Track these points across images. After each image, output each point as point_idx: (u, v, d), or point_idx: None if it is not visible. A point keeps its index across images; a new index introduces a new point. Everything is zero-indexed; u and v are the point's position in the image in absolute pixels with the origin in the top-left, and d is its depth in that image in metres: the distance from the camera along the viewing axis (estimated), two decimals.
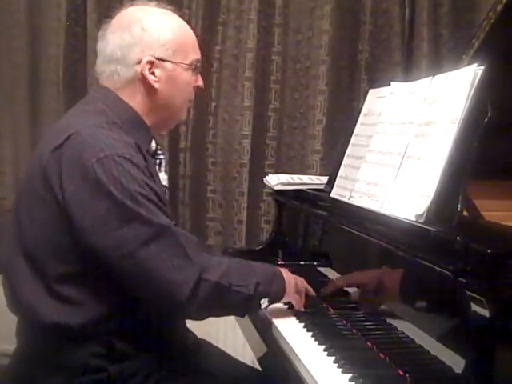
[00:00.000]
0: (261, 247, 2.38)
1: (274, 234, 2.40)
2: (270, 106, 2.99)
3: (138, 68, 1.60)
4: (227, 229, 3.01)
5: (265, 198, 3.01)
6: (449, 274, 1.14)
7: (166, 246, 1.46)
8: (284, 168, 2.92)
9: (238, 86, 2.95)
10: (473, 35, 1.98)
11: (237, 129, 2.97)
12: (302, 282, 1.73)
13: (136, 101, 1.62)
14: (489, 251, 1.06)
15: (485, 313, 1.05)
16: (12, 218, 1.60)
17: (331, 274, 2.06)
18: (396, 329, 1.52)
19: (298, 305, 1.69)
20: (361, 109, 2.08)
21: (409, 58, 2.82)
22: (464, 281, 1.10)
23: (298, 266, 2.19)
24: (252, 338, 1.89)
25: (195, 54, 1.69)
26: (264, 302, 1.59)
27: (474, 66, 1.45)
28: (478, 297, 1.06)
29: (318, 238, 2.22)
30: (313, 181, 2.28)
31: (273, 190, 2.35)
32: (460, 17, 2.81)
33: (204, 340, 1.82)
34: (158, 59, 1.61)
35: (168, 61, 1.62)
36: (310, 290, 1.75)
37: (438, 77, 1.62)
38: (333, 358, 1.40)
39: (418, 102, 1.66)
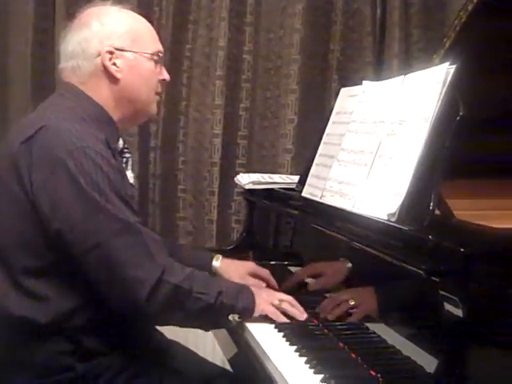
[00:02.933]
0: (232, 247, 2.36)
1: (244, 234, 2.38)
2: (241, 104, 2.96)
3: (99, 60, 1.61)
4: (198, 228, 2.98)
5: (235, 197, 2.98)
6: (422, 273, 1.13)
7: (130, 242, 1.45)
8: (255, 167, 2.89)
9: (209, 84, 2.92)
10: (444, 35, 1.98)
11: (208, 128, 2.93)
12: (273, 295, 1.66)
13: (101, 94, 1.62)
14: (462, 250, 1.05)
15: (458, 312, 1.04)
16: None
17: None
18: (367, 328, 1.52)
19: (276, 316, 1.61)
20: (333, 108, 2.08)
21: (380, 57, 2.81)
22: (437, 280, 1.09)
23: (269, 265, 2.18)
24: (222, 339, 1.87)
25: (156, 45, 1.71)
26: (234, 318, 1.56)
27: (446, 64, 1.44)
28: (451, 296, 1.06)
29: (289, 238, 2.21)
30: (284, 180, 2.27)
31: (244, 189, 2.33)
32: (430, 17, 2.83)
33: (174, 341, 1.80)
34: (118, 49, 1.63)
35: (128, 50, 1.64)
36: (285, 297, 1.67)
37: (410, 75, 1.62)
38: (304, 358, 1.38)
39: (390, 101, 1.66)
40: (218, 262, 1.89)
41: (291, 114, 2.86)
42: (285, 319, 1.60)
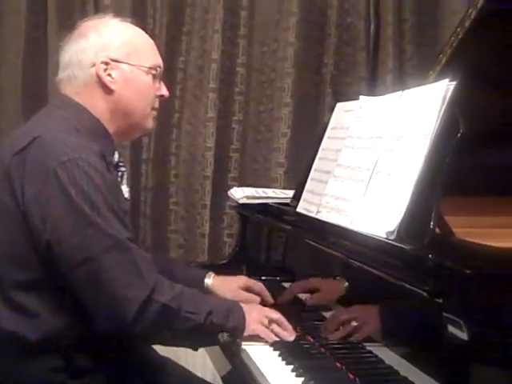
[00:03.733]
0: (224, 261, 2.34)
1: (237, 248, 2.36)
2: (234, 117, 2.95)
3: (93, 70, 1.59)
4: (189, 242, 2.95)
5: (227, 210, 2.96)
6: (424, 294, 1.11)
7: (120, 259, 1.43)
8: (247, 181, 2.87)
9: (202, 97, 2.91)
10: (439, 51, 1.98)
11: (200, 141, 2.91)
12: (263, 314, 1.61)
13: (96, 106, 1.60)
14: (468, 271, 1.03)
15: (462, 335, 1.02)
16: None
17: None
18: (363, 348, 1.49)
19: (266, 335, 1.57)
20: (327, 122, 2.06)
21: (374, 72, 2.82)
22: (440, 301, 1.07)
23: (262, 281, 2.16)
24: (215, 355, 1.84)
25: (155, 60, 1.68)
26: (223, 337, 1.53)
27: (446, 81, 1.43)
28: (455, 318, 1.04)
29: (282, 253, 2.19)
30: (278, 195, 2.26)
31: (237, 203, 2.31)
32: (423, 33, 2.83)
33: (167, 358, 1.77)
34: (113, 60, 1.61)
35: (124, 62, 1.62)
36: (274, 317, 1.62)
37: (408, 92, 1.61)
38: (302, 378, 1.35)
39: (387, 117, 1.64)
40: (210, 280, 1.86)
41: (284, 128, 2.85)
42: (275, 338, 1.57)
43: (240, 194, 2.24)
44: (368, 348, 1.48)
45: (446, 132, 1.37)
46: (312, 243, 1.74)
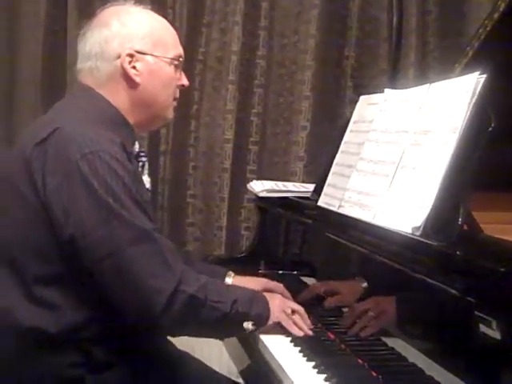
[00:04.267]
0: (243, 255, 2.32)
1: (256, 242, 2.33)
2: (253, 110, 2.91)
3: (118, 62, 1.56)
4: (206, 235, 2.93)
5: (245, 204, 2.93)
6: (456, 292, 1.07)
7: (146, 251, 1.41)
8: (266, 174, 2.84)
9: (222, 89, 2.88)
10: (466, 44, 1.93)
11: (219, 133, 2.89)
12: (285, 302, 1.63)
13: (118, 97, 1.58)
14: (502, 270, 1.00)
15: (495, 334, 0.99)
16: None
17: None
18: (385, 345, 1.47)
19: (289, 325, 1.57)
20: (350, 115, 2.03)
21: (396, 65, 2.77)
22: (472, 300, 1.04)
23: (280, 275, 2.14)
24: (233, 350, 1.82)
25: (177, 50, 1.66)
26: (248, 326, 1.51)
27: (476, 74, 1.39)
28: (487, 317, 1.01)
29: (302, 247, 2.16)
30: (298, 188, 2.23)
31: (256, 196, 2.28)
32: (448, 25, 2.78)
33: (185, 352, 1.75)
34: (138, 52, 1.58)
35: (148, 54, 1.59)
36: (296, 307, 1.63)
37: (436, 85, 1.57)
38: (324, 375, 1.33)
39: (413, 110, 1.61)
40: (230, 279, 1.84)
41: (304, 121, 2.82)
42: (296, 330, 1.56)
43: (260, 187, 2.21)
44: (390, 345, 1.45)
45: (476, 126, 1.34)
46: (334, 237, 1.71)
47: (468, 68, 1.83)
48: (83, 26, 2.78)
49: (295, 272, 2.12)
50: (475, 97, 1.38)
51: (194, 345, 1.76)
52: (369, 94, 2.00)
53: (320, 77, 2.82)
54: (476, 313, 1.03)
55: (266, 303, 1.56)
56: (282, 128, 2.91)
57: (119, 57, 1.56)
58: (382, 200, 1.57)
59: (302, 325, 1.58)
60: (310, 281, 2.05)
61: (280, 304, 1.59)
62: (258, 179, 2.48)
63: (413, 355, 1.36)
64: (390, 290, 1.45)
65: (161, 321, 1.41)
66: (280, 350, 1.50)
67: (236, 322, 1.50)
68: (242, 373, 1.75)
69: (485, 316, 1.01)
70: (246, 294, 1.57)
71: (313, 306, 1.73)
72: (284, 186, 2.25)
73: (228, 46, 2.86)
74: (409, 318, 1.39)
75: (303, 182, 2.61)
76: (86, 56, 1.58)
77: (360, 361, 1.42)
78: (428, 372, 1.29)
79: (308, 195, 2.12)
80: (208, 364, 1.78)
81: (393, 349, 1.45)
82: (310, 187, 2.17)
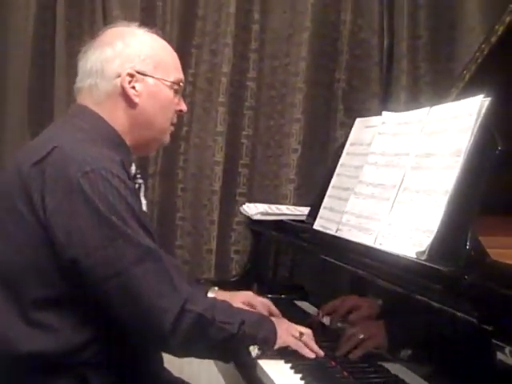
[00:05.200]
0: (235, 278, 2.28)
1: (249, 265, 2.30)
2: (244, 132, 2.90)
3: (118, 81, 1.55)
4: (196, 258, 2.88)
5: (235, 227, 2.90)
6: (473, 320, 1.05)
7: (152, 269, 1.38)
8: (256, 197, 2.81)
9: (212, 110, 2.86)
10: (463, 67, 1.94)
11: (209, 155, 2.86)
12: (293, 327, 1.59)
13: (116, 118, 1.56)
14: None
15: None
16: None
17: (308, 308, 1.97)
18: (388, 371, 1.44)
19: (299, 347, 1.54)
20: (341, 139, 2.03)
21: (387, 89, 2.79)
22: (490, 328, 1.02)
23: (273, 298, 2.10)
24: (230, 376, 1.79)
25: (178, 74, 1.65)
26: (254, 350, 1.49)
27: (480, 97, 1.39)
28: (505, 346, 0.98)
29: (296, 271, 2.13)
30: (292, 211, 2.20)
31: (249, 219, 2.26)
32: (438, 50, 2.79)
33: (180, 378, 1.71)
34: (139, 73, 1.56)
35: (149, 76, 1.58)
36: (304, 330, 1.59)
37: (437, 108, 1.56)
38: None
39: (414, 133, 1.60)
40: (212, 294, 1.81)
41: (295, 144, 2.80)
42: (307, 351, 1.53)
43: (253, 210, 2.19)
44: (393, 372, 1.42)
45: (482, 149, 1.33)
46: (332, 261, 1.68)
47: (465, 91, 1.83)
48: (71, 45, 2.81)
49: (287, 296, 2.09)
50: (479, 119, 1.37)
51: (189, 371, 1.71)
52: (360, 117, 2.00)
53: (311, 99, 2.82)
54: (493, 341, 1.01)
55: (273, 327, 1.53)
56: (273, 151, 2.89)
57: (119, 76, 1.54)
58: (383, 224, 1.55)
59: (313, 346, 1.55)
60: (303, 305, 2.03)
61: (288, 328, 1.56)
62: (248, 202, 2.46)
63: (416, 382, 1.34)
64: (392, 315, 1.43)
65: (169, 340, 1.38)
66: (280, 376, 1.46)
67: (243, 343, 1.48)
68: None
69: (502, 344, 0.98)
70: (254, 316, 1.55)
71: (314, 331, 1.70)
72: (277, 208, 2.22)
73: (218, 68, 2.84)
74: (421, 349, 1.36)
75: (294, 204, 2.59)
76: (87, 74, 1.56)
77: None
78: None
79: (303, 218, 2.10)
80: None
81: (397, 376, 1.42)
82: (304, 210, 2.16)
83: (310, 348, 1.55)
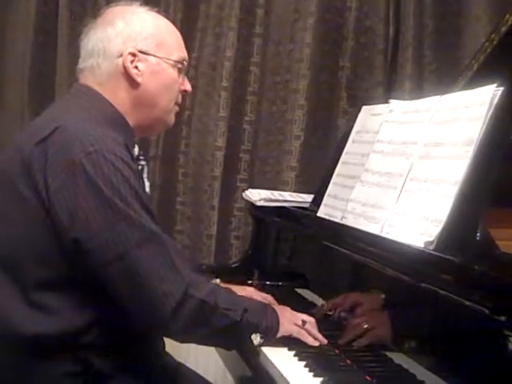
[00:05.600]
0: (236, 264, 2.27)
1: (250, 252, 2.29)
2: (246, 118, 2.88)
3: (120, 60, 1.53)
4: (195, 243, 2.87)
5: (235, 212, 2.89)
6: (486, 310, 1.04)
7: (155, 253, 1.36)
8: (257, 183, 2.80)
9: (214, 95, 2.84)
10: (472, 57, 1.92)
11: (210, 140, 2.84)
12: (295, 315, 1.58)
13: (118, 97, 1.54)
14: None
15: None
16: None
17: (310, 296, 1.97)
18: (392, 361, 1.43)
19: (302, 335, 1.53)
20: (349, 127, 2.01)
21: (391, 77, 2.77)
22: (503, 319, 1.01)
23: (274, 286, 2.10)
24: (232, 361, 1.78)
25: (181, 53, 1.62)
26: (256, 338, 1.48)
27: (493, 86, 1.37)
28: None
29: (297, 258, 2.12)
30: (295, 198, 2.19)
31: (251, 205, 2.24)
32: (444, 39, 2.77)
33: (182, 364, 1.70)
34: (141, 52, 1.54)
35: (151, 54, 1.55)
36: (307, 319, 1.58)
37: (447, 96, 1.55)
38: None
39: (422, 122, 1.58)
40: None
41: (298, 131, 2.78)
42: (311, 339, 1.52)
43: (256, 196, 2.17)
44: (397, 362, 1.42)
45: (493, 139, 1.31)
46: (338, 249, 1.67)
47: (474, 81, 1.81)
48: (74, 25, 2.77)
49: (288, 283, 2.08)
50: (492, 109, 1.35)
51: (189, 354, 1.70)
52: (363, 105, 1.98)
53: (315, 86, 2.80)
54: (505, 332, 1.00)
55: (277, 316, 1.52)
56: (275, 137, 2.87)
57: (121, 55, 1.52)
58: (389, 212, 1.54)
59: (316, 334, 1.54)
60: (304, 292, 2.02)
61: (290, 317, 1.55)
62: (248, 188, 2.45)
63: (420, 372, 1.33)
64: (398, 304, 1.42)
65: (169, 325, 1.37)
66: (284, 363, 1.45)
67: (245, 331, 1.47)
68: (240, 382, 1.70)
69: None
70: (257, 305, 1.54)
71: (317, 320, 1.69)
72: (280, 195, 2.21)
73: (222, 52, 2.82)
74: (416, 333, 1.36)
75: (295, 191, 2.58)
76: (89, 54, 1.54)
77: (368, 377, 1.38)
78: None
79: (305, 205, 2.09)
80: (203, 375, 1.73)
81: (400, 366, 1.41)
82: (307, 197, 2.14)
83: (313, 336, 1.54)
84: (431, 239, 1.33)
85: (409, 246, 1.36)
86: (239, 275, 2.15)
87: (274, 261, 2.23)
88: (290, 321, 1.54)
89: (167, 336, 1.50)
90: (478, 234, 1.22)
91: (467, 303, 1.09)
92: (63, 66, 2.81)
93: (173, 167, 2.89)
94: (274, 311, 1.53)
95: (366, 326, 1.53)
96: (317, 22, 2.77)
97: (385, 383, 1.34)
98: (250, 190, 2.27)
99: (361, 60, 2.81)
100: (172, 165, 2.89)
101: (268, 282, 2.12)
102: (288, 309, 1.61)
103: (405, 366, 1.40)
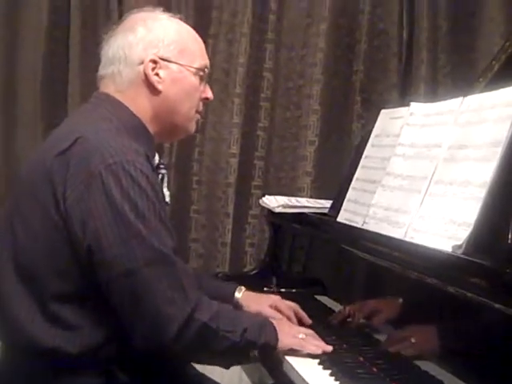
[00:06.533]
0: (254, 272, 2.24)
1: (267, 259, 2.26)
2: (260, 124, 2.85)
3: (141, 68, 1.50)
4: (210, 251, 2.85)
5: (250, 220, 2.86)
6: None
7: (162, 274, 1.34)
8: (272, 190, 2.76)
9: (228, 102, 2.82)
10: (493, 57, 1.89)
11: (224, 147, 2.82)
12: (295, 329, 1.57)
13: (139, 105, 1.51)
14: None
15: None
16: (3, 229, 1.45)
17: (328, 302, 1.94)
18: (419, 368, 1.39)
19: (302, 346, 1.50)
20: (366, 131, 1.98)
21: (406, 80, 2.74)
22: None
23: (293, 293, 2.07)
24: (254, 371, 1.75)
25: (203, 60, 1.60)
26: (253, 353, 1.46)
27: None
28: None
29: (318, 264, 2.09)
30: (313, 204, 2.16)
31: (269, 211, 2.22)
32: (458, 40, 2.74)
33: (204, 375, 1.67)
34: (162, 59, 1.51)
35: (173, 62, 1.53)
36: (307, 332, 1.56)
37: (471, 98, 1.52)
38: None
39: (446, 124, 1.55)
40: (240, 294, 1.78)
41: (312, 136, 2.76)
42: (313, 348, 1.49)
43: (274, 202, 2.14)
44: (424, 369, 1.38)
45: None
46: (360, 255, 1.64)
47: (495, 82, 1.79)
48: (85, 33, 2.76)
49: (307, 290, 2.05)
50: None
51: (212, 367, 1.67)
52: (377, 109, 1.95)
53: (328, 91, 2.78)
54: None
55: (275, 331, 1.49)
56: (289, 143, 2.85)
57: (142, 62, 1.50)
58: (413, 217, 1.51)
59: (318, 343, 1.51)
60: (322, 299, 1.99)
61: (289, 331, 1.53)
62: (263, 195, 2.42)
63: (448, 379, 1.30)
64: (430, 311, 1.38)
65: (171, 348, 1.35)
66: (309, 372, 1.42)
67: (244, 350, 1.45)
68: None
69: None
70: (256, 322, 1.51)
71: (339, 329, 1.66)
72: (297, 201, 2.18)
73: (235, 58, 2.80)
74: (445, 339, 1.33)
75: (311, 197, 2.55)
76: (110, 61, 1.52)
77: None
78: None
79: (323, 211, 2.06)
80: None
81: (427, 373, 1.38)
82: (325, 203, 2.11)
83: (314, 345, 1.50)
84: (459, 243, 1.30)
85: (436, 250, 1.32)
86: (257, 283, 2.12)
87: (291, 268, 2.19)
88: (289, 334, 1.51)
89: (167, 356, 1.45)
90: (510, 237, 1.19)
91: (501, 308, 1.06)
92: (75, 75, 2.80)
93: (187, 175, 2.87)
94: (272, 326, 1.50)
95: (413, 341, 1.44)
96: (330, 26, 2.75)
97: None
98: (267, 196, 2.24)
99: (374, 63, 2.79)
100: (186, 173, 2.87)
101: (286, 289, 2.09)
102: (288, 322, 1.60)
103: (432, 372, 1.36)
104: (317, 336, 1.55)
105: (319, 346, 1.51)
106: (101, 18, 2.81)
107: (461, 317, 1.27)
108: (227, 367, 1.53)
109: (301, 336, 1.53)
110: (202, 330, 1.36)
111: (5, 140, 2.88)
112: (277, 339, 1.49)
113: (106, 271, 1.32)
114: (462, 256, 1.25)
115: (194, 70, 1.55)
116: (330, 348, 1.51)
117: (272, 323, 1.53)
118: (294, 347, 1.50)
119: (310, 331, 1.56)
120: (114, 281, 1.32)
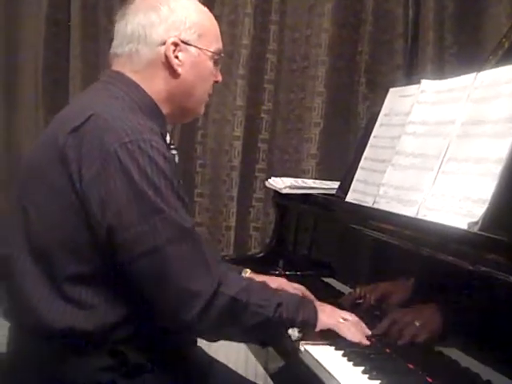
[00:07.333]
0: (261, 255, 2.22)
1: (274, 241, 2.23)
2: (263, 107, 2.83)
3: (162, 49, 1.46)
4: (214, 235, 2.83)
5: (254, 203, 2.84)
6: None
7: (186, 251, 1.32)
8: (276, 172, 2.73)
9: (231, 84, 2.78)
10: (503, 35, 1.86)
11: (228, 130, 2.80)
12: (336, 311, 1.52)
13: (154, 86, 1.48)
14: None
15: None
16: (15, 210, 1.42)
17: (336, 284, 1.91)
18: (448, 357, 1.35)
19: (339, 329, 1.45)
20: (374, 111, 1.95)
21: (412, 61, 2.70)
22: None
23: (300, 276, 2.04)
24: (262, 353, 1.73)
25: (218, 44, 1.57)
26: (294, 333, 1.42)
27: None
28: None
29: (324, 247, 2.06)
30: (319, 185, 2.13)
31: (275, 193, 2.19)
32: (465, 21, 2.70)
33: (214, 358, 1.65)
34: (183, 42, 1.48)
35: (193, 45, 1.50)
36: (349, 317, 1.51)
37: (484, 73, 1.49)
38: (378, 382, 1.23)
39: (459, 101, 1.52)
40: (245, 276, 1.74)
41: (317, 118, 2.73)
42: (350, 334, 1.45)
43: (280, 184, 2.12)
44: (444, 352, 1.35)
45: None
46: (373, 235, 1.61)
47: (505, 59, 1.76)
48: (86, 16, 2.72)
49: (314, 272, 2.02)
50: None
51: (219, 348, 1.65)
52: (383, 90, 1.93)
53: (333, 72, 2.74)
54: None
55: (315, 310, 1.46)
56: (293, 125, 2.83)
57: (163, 43, 1.46)
58: (426, 195, 1.48)
59: (356, 332, 1.46)
60: (330, 281, 1.96)
61: (330, 312, 1.49)
62: (267, 178, 2.39)
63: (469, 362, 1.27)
64: (445, 291, 1.36)
65: (196, 325, 1.33)
66: (323, 353, 1.40)
67: (280, 327, 1.41)
68: (275, 375, 1.65)
69: None
70: (293, 298, 1.48)
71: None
72: (304, 182, 2.15)
73: (238, 40, 2.77)
74: (468, 322, 1.29)
75: (316, 179, 2.52)
76: (128, 39, 1.47)
77: (411, 366, 1.33)
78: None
79: (331, 192, 2.04)
80: (234, 368, 1.69)
81: (449, 356, 1.34)
82: (332, 184, 2.09)
83: (352, 333, 1.46)
84: (475, 220, 1.27)
85: (451, 227, 1.30)
86: (264, 266, 2.10)
87: (298, 250, 2.17)
88: (330, 315, 1.48)
89: (194, 335, 1.46)
90: None
91: None
92: (76, 57, 2.76)
93: (190, 158, 2.85)
94: (313, 305, 1.48)
95: (418, 324, 1.40)
96: (334, 6, 2.72)
97: (431, 372, 1.28)
98: (273, 178, 2.22)
99: (380, 44, 2.75)
100: (189, 156, 2.85)
101: (293, 272, 2.07)
102: (330, 306, 1.55)
103: (463, 364, 1.32)
104: (361, 323, 1.50)
105: (356, 334, 1.46)
106: (101, 3, 2.77)
107: (484, 298, 1.23)
108: (263, 345, 1.51)
109: (341, 321, 1.48)
110: (229, 304, 1.34)
111: (6, 126, 2.85)
112: (316, 317, 1.46)
113: (129, 250, 1.30)
114: (478, 232, 1.22)
115: (210, 54, 1.52)
116: (367, 342, 1.45)
117: (312, 301, 1.51)
118: (331, 327, 1.46)
119: (355, 318, 1.51)
120: (137, 260, 1.30)
